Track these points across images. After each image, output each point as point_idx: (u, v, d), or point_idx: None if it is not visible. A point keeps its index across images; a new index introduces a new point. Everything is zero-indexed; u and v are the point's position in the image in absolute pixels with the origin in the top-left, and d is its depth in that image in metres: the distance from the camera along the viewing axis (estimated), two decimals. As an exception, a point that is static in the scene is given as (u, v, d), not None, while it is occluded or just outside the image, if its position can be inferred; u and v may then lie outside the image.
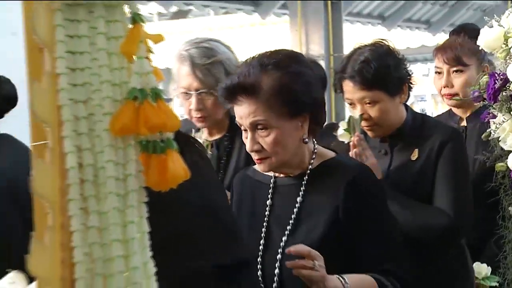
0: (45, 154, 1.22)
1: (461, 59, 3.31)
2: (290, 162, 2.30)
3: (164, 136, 1.27)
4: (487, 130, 2.71)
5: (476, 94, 2.76)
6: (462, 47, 3.08)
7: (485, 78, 2.69)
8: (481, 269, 2.81)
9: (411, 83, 2.97)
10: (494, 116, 2.67)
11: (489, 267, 2.97)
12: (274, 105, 2.19)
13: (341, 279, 2.15)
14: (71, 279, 1.22)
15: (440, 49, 3.42)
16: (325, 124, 4.83)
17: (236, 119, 2.30)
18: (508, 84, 2.60)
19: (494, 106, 2.66)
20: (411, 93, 2.97)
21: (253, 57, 2.29)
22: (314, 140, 2.38)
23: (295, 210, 2.29)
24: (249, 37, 14.29)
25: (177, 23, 14.65)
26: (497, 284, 2.90)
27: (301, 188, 2.30)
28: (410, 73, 2.96)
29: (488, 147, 2.73)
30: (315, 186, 2.30)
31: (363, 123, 2.87)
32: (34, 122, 1.23)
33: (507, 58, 2.59)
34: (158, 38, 1.27)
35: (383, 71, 2.82)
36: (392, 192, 2.80)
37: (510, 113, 2.62)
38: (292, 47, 8.83)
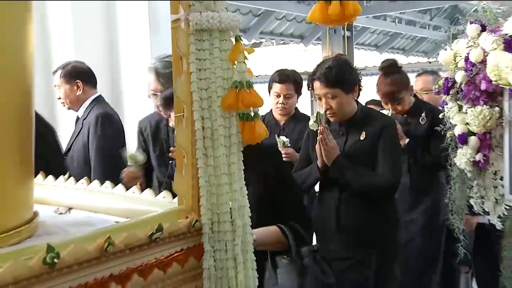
0: (182, 121, 1.21)
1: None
2: None
3: (253, 110, 1.24)
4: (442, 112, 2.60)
5: (437, 90, 2.65)
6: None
7: (441, 81, 2.59)
8: None
9: (360, 86, 2.66)
10: (447, 103, 2.56)
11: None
12: None
13: None
14: (198, 196, 1.21)
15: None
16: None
17: None
18: (455, 84, 2.49)
19: (447, 97, 2.56)
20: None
21: None
22: None
23: None
24: (297, 58, 14.18)
25: (254, 50, 14.60)
26: None
27: None
28: (360, 78, 2.67)
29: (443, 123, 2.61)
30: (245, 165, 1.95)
31: (327, 112, 2.60)
32: (177, 101, 1.21)
33: (455, 69, 2.48)
34: (250, 51, 1.24)
35: (341, 75, 2.55)
36: (349, 163, 2.58)
37: (456, 101, 2.51)
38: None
